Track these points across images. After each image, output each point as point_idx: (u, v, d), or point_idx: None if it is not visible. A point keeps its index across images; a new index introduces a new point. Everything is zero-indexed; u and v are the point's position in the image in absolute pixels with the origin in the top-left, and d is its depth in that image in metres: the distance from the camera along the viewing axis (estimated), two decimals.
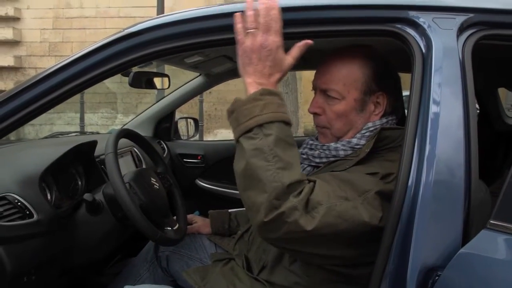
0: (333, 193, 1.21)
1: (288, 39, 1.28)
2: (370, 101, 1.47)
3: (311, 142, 1.56)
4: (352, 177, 1.28)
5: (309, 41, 1.26)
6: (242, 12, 1.25)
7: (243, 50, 1.24)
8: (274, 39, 1.22)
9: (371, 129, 1.45)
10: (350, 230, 1.20)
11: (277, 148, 1.18)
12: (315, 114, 1.51)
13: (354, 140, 1.45)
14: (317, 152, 1.51)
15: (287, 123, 1.23)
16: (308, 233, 1.16)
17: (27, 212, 1.45)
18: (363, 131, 1.46)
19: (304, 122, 10.78)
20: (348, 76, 1.45)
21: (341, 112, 1.46)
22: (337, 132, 1.48)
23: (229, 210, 2.03)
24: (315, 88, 1.52)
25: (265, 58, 1.22)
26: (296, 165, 1.21)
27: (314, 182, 1.22)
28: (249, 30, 1.22)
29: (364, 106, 1.47)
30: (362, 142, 1.44)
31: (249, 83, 1.24)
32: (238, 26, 1.23)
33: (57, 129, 10.93)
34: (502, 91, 2.89)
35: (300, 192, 1.17)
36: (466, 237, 1.11)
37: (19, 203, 1.45)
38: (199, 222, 2.03)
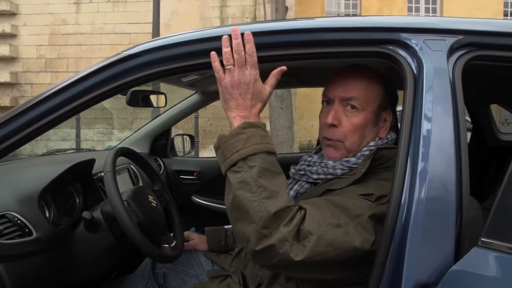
0: (324, 220, 1.23)
1: (286, 60, 1.32)
2: (381, 117, 1.51)
3: (309, 159, 1.58)
4: (346, 201, 1.30)
5: (283, 68, 1.30)
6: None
7: (223, 87, 1.28)
8: (251, 72, 1.26)
9: (372, 147, 1.48)
10: (341, 256, 1.22)
11: (262, 179, 1.21)
12: (332, 126, 1.50)
13: (352, 160, 1.47)
14: (314, 168, 1.53)
15: (271, 153, 1.27)
16: (300, 262, 1.18)
17: (27, 230, 1.47)
18: (364, 149, 1.49)
19: (299, 137, 10.81)
20: (369, 88, 1.48)
21: (359, 124, 1.48)
22: (351, 145, 1.49)
23: (225, 227, 2.05)
24: (330, 100, 1.53)
25: (245, 92, 1.27)
26: (282, 193, 1.24)
27: (305, 210, 1.24)
28: (226, 67, 1.26)
29: (377, 120, 1.50)
30: (359, 161, 1.46)
31: (233, 118, 1.28)
32: (215, 64, 1.27)
33: (52, 144, 10.92)
34: (495, 106, 2.92)
35: (290, 220, 1.20)
36: (458, 254, 1.13)
37: (18, 221, 1.46)
38: (195, 239, 2.04)
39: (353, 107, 1.47)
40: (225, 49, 1.26)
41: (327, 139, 1.53)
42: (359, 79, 1.49)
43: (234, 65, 1.26)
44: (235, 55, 1.26)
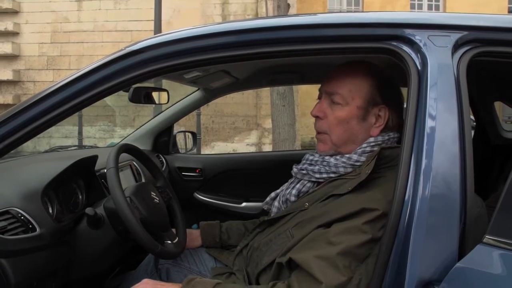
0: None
1: (290, 56, 1.31)
2: (372, 113, 1.49)
3: (311, 157, 1.58)
4: (350, 243, 1.28)
5: None
6: (239, 30, 1.27)
7: None
8: None
9: (372, 144, 1.47)
10: None
11: None
12: (316, 118, 1.54)
13: (355, 157, 1.47)
14: (317, 167, 1.52)
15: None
16: None
17: (30, 226, 1.47)
18: (364, 145, 1.48)
19: (301, 134, 10.80)
20: (354, 83, 1.49)
21: (343, 118, 1.48)
22: (337, 139, 1.50)
23: (222, 223, 2.03)
24: (321, 94, 1.56)
25: None
26: None
27: None
28: None
29: (366, 116, 1.49)
30: (362, 159, 1.45)
31: None
32: None
33: (55, 141, 10.93)
34: (498, 104, 2.90)
35: None
36: (462, 252, 1.12)
37: (22, 217, 1.46)
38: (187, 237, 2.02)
39: (336, 101, 1.49)
40: None
41: (317, 133, 1.56)
42: (345, 74, 1.51)
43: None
44: None
